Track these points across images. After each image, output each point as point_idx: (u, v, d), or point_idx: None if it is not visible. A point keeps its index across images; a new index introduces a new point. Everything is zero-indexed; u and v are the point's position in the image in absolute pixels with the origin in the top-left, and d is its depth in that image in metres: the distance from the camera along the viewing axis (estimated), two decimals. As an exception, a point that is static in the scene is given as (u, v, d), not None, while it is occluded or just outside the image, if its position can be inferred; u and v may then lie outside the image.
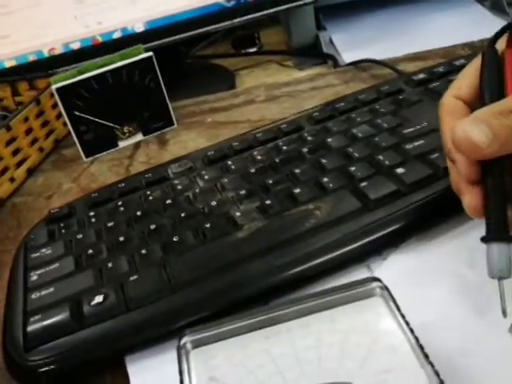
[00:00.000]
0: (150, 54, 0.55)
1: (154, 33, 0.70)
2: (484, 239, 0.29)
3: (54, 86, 0.52)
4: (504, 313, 0.28)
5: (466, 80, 0.33)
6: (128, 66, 0.55)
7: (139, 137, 0.60)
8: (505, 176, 0.30)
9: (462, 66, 0.51)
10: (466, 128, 0.28)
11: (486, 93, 0.31)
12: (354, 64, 0.66)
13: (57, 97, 0.53)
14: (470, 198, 0.31)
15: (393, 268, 0.35)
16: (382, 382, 0.24)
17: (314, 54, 0.81)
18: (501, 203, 0.29)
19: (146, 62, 0.55)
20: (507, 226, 0.29)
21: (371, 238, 0.35)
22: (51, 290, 0.36)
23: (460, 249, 0.35)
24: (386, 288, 0.28)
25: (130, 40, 0.68)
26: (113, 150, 0.59)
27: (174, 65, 0.77)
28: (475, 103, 0.32)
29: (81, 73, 0.54)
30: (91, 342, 0.33)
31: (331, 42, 0.82)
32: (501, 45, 0.33)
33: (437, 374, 0.24)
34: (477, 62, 0.33)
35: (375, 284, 0.28)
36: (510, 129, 0.27)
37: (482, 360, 0.28)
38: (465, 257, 0.34)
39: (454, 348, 0.28)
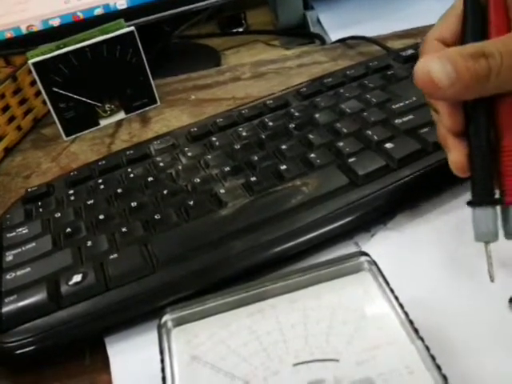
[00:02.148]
0: (132, 28, 0.53)
1: (137, 10, 0.68)
2: (469, 203, 0.28)
3: (30, 61, 0.50)
4: (491, 277, 0.28)
5: (449, 23, 0.31)
6: (109, 41, 0.53)
7: (121, 115, 0.58)
8: (490, 131, 0.28)
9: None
10: (429, 63, 0.27)
11: (468, 38, 0.29)
12: (342, 41, 0.65)
13: (34, 72, 0.51)
14: (455, 155, 0.29)
15: (381, 244, 0.34)
16: (370, 359, 0.23)
17: (301, 33, 0.79)
18: (485, 163, 0.28)
19: (127, 36, 0.53)
20: (492, 188, 0.28)
21: (359, 214, 0.35)
22: (27, 269, 0.35)
23: (448, 224, 0.34)
24: (374, 263, 0.27)
25: (112, 17, 0.65)
26: (94, 128, 0.57)
27: (158, 44, 0.75)
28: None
29: (59, 48, 0.52)
30: (69, 323, 0.31)
31: (319, 21, 0.81)
32: None
33: (427, 348, 0.23)
34: (458, 4, 0.31)
35: (363, 258, 0.27)
36: (475, 73, 0.26)
37: (472, 333, 0.27)
38: (453, 232, 0.34)
39: (443, 322, 0.28)
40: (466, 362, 0.26)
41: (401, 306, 0.25)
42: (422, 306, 0.26)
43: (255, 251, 0.33)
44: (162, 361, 0.25)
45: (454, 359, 0.25)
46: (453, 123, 0.29)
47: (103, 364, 0.30)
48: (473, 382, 0.25)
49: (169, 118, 0.56)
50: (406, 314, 0.25)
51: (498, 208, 0.28)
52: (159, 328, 0.26)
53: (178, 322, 0.27)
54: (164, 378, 0.24)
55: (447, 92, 0.26)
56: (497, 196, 0.28)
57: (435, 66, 0.26)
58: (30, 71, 0.53)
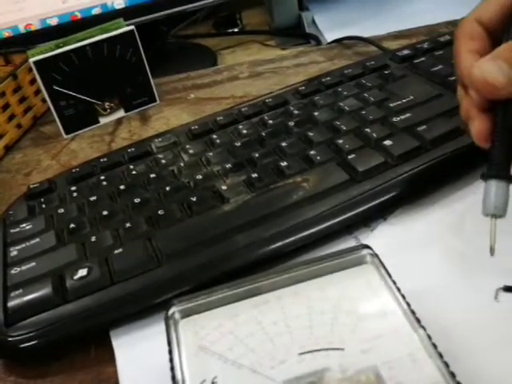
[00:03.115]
0: (132, 27, 0.54)
1: (134, 9, 0.69)
2: (483, 176, 0.29)
3: (31, 60, 0.51)
4: (491, 250, 0.28)
5: (493, 5, 0.31)
6: (109, 40, 0.53)
7: (121, 113, 0.58)
8: None
9: (447, 43, 0.51)
10: (484, 68, 0.27)
11: None
12: (339, 41, 0.66)
13: (35, 70, 0.51)
14: (479, 124, 0.30)
15: (380, 239, 0.35)
16: (374, 347, 0.24)
17: (296, 34, 0.80)
18: (507, 142, 0.29)
19: (127, 35, 0.54)
20: (509, 167, 0.28)
21: (359, 209, 0.35)
22: (32, 264, 0.35)
23: (447, 219, 0.35)
24: (376, 255, 0.28)
25: (109, 16, 0.66)
26: (94, 126, 0.57)
27: (155, 44, 0.76)
28: (497, 32, 0.31)
29: (59, 46, 0.52)
30: (75, 317, 0.32)
31: (314, 22, 0.82)
32: None
33: (429, 337, 0.24)
34: None
35: (365, 251, 0.28)
36: None
37: (473, 324, 0.28)
38: (452, 226, 0.34)
39: (443, 314, 0.28)
40: (466, 349, 0.26)
41: (403, 296, 0.26)
42: (422, 299, 0.27)
43: (257, 246, 0.34)
44: (170, 351, 0.26)
45: (454, 347, 0.26)
46: (483, 102, 0.29)
47: (109, 357, 0.31)
48: (473, 369, 0.25)
49: (168, 117, 0.57)
50: (408, 304, 0.25)
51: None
52: (167, 319, 0.27)
53: (186, 314, 0.27)
54: (172, 368, 0.25)
55: (502, 92, 0.27)
56: None
57: (490, 68, 0.27)
58: (30, 70, 0.54)
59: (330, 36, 0.75)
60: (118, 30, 0.53)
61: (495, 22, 0.31)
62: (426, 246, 0.33)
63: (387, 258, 0.28)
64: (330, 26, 0.78)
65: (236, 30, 0.89)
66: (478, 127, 0.30)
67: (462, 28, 0.32)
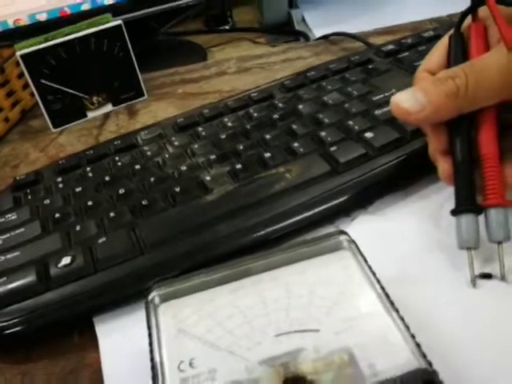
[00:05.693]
0: (119, 22, 0.54)
1: (124, 5, 0.69)
2: (452, 212, 0.30)
3: (18, 53, 0.51)
4: (472, 281, 0.29)
5: (436, 56, 0.35)
6: (96, 34, 0.54)
7: (109, 107, 0.59)
8: (471, 144, 0.31)
9: (430, 38, 0.52)
10: (398, 95, 0.31)
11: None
12: (325, 37, 0.66)
13: (22, 64, 0.51)
14: (442, 166, 0.32)
15: (360, 228, 0.35)
16: (348, 329, 0.24)
17: (286, 31, 0.81)
18: (465, 175, 0.30)
19: (115, 30, 0.54)
20: (474, 198, 0.30)
21: (340, 199, 0.36)
22: (17, 253, 0.35)
23: (426, 209, 0.36)
24: (353, 241, 0.28)
25: (99, 12, 0.66)
26: (82, 120, 0.58)
27: (145, 40, 0.76)
28: None
29: (47, 40, 0.52)
30: (58, 303, 0.32)
31: (303, 20, 0.82)
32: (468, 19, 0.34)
33: (402, 319, 0.24)
34: (446, 40, 0.35)
35: (343, 237, 0.28)
36: (443, 93, 0.29)
37: (449, 310, 0.29)
38: (430, 216, 0.35)
39: (421, 301, 0.29)
40: (440, 332, 0.27)
41: (378, 281, 0.26)
42: (399, 286, 0.27)
43: (239, 235, 0.34)
44: (150, 335, 0.26)
45: (431, 334, 0.26)
46: (437, 143, 0.32)
47: (92, 342, 0.31)
48: (446, 351, 0.26)
49: (156, 111, 0.57)
50: (383, 288, 0.26)
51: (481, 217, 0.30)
52: (147, 304, 0.27)
53: (165, 298, 0.28)
54: (151, 351, 0.25)
55: (419, 116, 0.30)
56: (479, 203, 0.30)
57: (403, 97, 0.31)
58: (17, 63, 0.54)
59: (319, 33, 0.76)
60: (106, 25, 0.53)
61: (441, 67, 0.34)
62: (404, 235, 0.34)
63: (366, 246, 0.29)
64: (320, 24, 0.79)
65: (227, 27, 0.89)
66: (441, 168, 0.32)
67: (416, 78, 0.35)
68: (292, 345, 0.24)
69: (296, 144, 0.40)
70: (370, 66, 0.49)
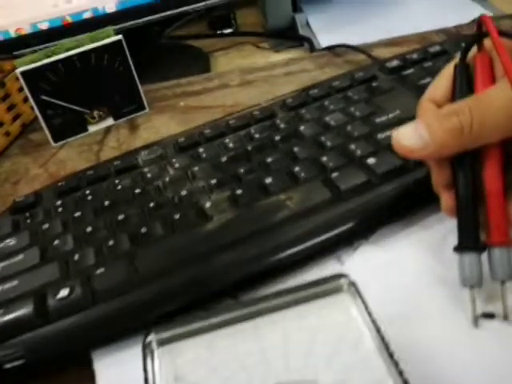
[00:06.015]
0: (120, 37, 0.54)
1: (125, 13, 0.68)
2: (455, 249, 0.30)
3: (18, 70, 0.51)
4: (475, 322, 0.29)
5: (441, 85, 0.34)
6: (97, 50, 0.53)
7: (110, 121, 0.58)
8: (475, 179, 0.30)
9: (436, 54, 0.51)
10: (400, 131, 0.30)
11: (456, 100, 0.31)
12: (329, 49, 0.66)
13: (22, 81, 0.51)
14: (446, 201, 0.32)
15: (363, 259, 0.35)
16: (346, 380, 0.24)
17: (290, 36, 0.80)
18: (469, 212, 0.30)
19: (115, 45, 0.54)
20: (477, 235, 0.29)
21: (341, 228, 0.35)
22: (15, 283, 0.35)
23: (429, 240, 0.35)
24: (353, 284, 0.28)
25: (100, 21, 0.66)
26: (82, 134, 0.57)
27: (147, 45, 0.76)
28: None
29: (47, 56, 0.52)
30: (56, 338, 0.32)
31: (308, 24, 0.81)
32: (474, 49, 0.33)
33: (400, 373, 0.24)
34: (451, 68, 0.33)
35: (343, 280, 0.28)
36: (447, 130, 0.28)
37: (450, 352, 0.28)
38: (433, 248, 0.34)
39: (421, 340, 0.28)
40: (440, 378, 0.27)
41: (378, 329, 0.26)
42: (399, 324, 0.27)
43: (239, 266, 0.34)
44: (146, 380, 0.26)
45: (429, 375, 0.26)
46: (441, 178, 0.32)
47: (89, 377, 0.31)
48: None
49: (157, 126, 0.56)
50: (383, 338, 0.25)
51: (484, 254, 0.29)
52: (144, 347, 0.27)
53: (162, 342, 0.27)
54: (148, 397, 0.25)
55: (422, 153, 0.29)
56: (483, 240, 0.29)
57: (406, 134, 0.30)
58: (18, 77, 0.53)
59: (323, 38, 0.75)
60: (106, 40, 0.52)
61: (445, 97, 0.33)
62: (406, 269, 0.33)
63: (367, 280, 0.28)
64: (324, 29, 0.78)
65: (230, 30, 0.89)
66: (444, 203, 0.32)
67: (420, 107, 0.34)
68: (290, 396, 0.24)
69: (297, 168, 0.39)
70: (374, 84, 0.48)
